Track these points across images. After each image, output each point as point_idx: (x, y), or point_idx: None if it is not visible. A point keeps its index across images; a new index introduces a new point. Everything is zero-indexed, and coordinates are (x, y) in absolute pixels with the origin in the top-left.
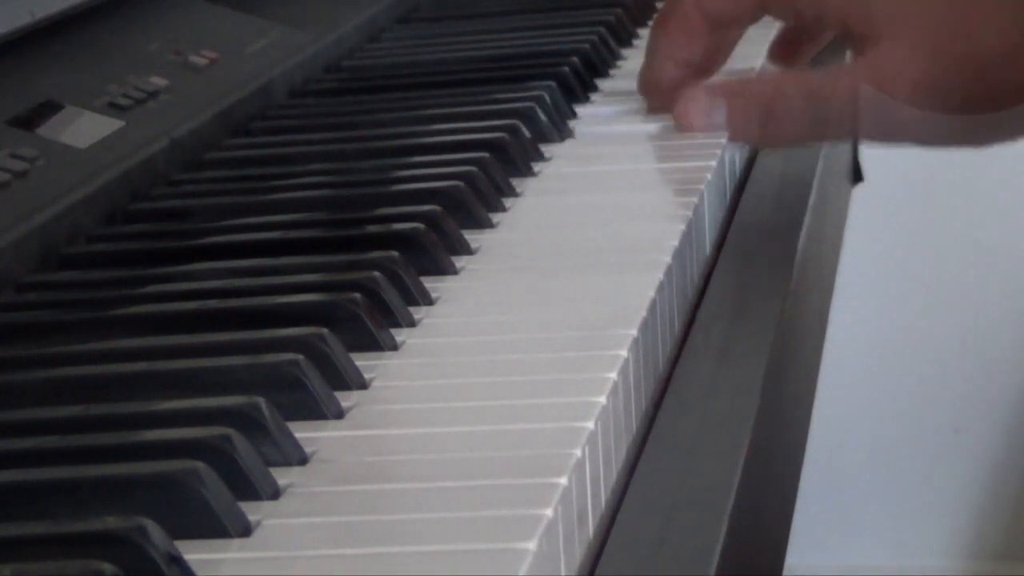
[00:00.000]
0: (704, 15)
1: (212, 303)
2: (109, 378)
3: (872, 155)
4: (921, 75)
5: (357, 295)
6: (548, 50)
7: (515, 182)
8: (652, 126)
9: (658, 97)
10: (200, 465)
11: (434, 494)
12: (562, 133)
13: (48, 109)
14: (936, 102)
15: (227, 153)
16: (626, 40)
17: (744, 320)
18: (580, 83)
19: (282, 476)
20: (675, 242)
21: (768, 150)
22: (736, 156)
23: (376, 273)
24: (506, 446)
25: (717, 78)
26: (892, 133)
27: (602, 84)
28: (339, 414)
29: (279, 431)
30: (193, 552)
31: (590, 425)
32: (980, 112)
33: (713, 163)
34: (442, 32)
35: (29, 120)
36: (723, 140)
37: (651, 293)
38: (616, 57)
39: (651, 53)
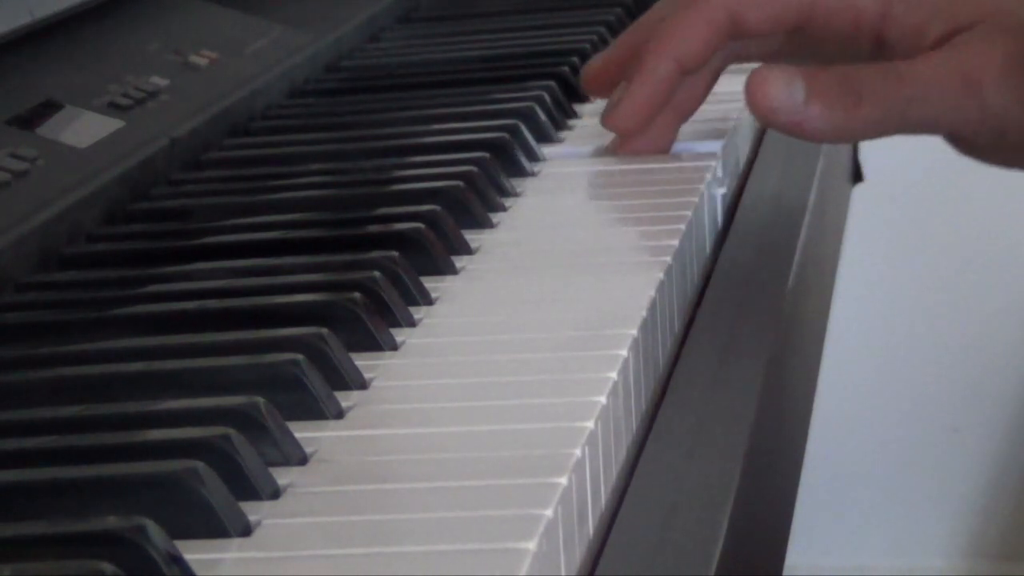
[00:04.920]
0: (732, 19)
1: (212, 303)
2: (109, 378)
3: (872, 155)
4: (1011, 56)
5: (357, 295)
6: (548, 50)
7: (515, 182)
8: None
9: (643, 118)
10: (200, 465)
11: (434, 494)
12: (562, 133)
13: (48, 109)
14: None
15: (227, 153)
16: None
17: (744, 320)
18: (580, 83)
19: (282, 476)
20: (675, 242)
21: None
22: (737, 156)
23: (376, 273)
24: (506, 446)
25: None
26: (973, 121)
27: None
28: (339, 414)
29: (279, 431)
30: (193, 552)
31: (590, 425)
32: None
33: (713, 163)
34: (442, 32)
35: (29, 120)
36: (723, 140)
37: (651, 293)
38: None
39: (651, 48)
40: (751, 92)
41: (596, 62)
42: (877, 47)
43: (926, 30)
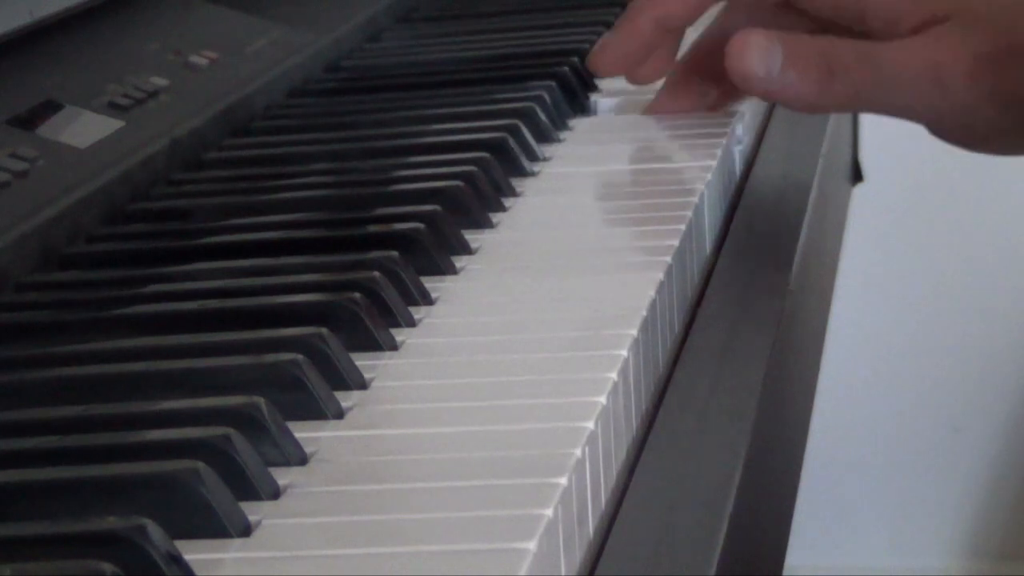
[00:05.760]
0: None
1: (212, 303)
2: (109, 378)
3: (872, 155)
4: (979, 53)
5: (357, 295)
6: (548, 50)
7: (515, 182)
8: (653, 127)
9: (619, 66)
10: (200, 465)
11: (434, 494)
12: (562, 133)
13: (48, 109)
14: (991, 88)
15: (227, 153)
16: None
17: (744, 320)
18: (580, 83)
19: (282, 476)
20: (675, 242)
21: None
22: (736, 156)
23: (376, 273)
24: (506, 446)
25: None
26: (941, 113)
27: (602, 84)
28: (339, 414)
29: (279, 431)
30: (193, 552)
31: (590, 425)
32: None
33: (713, 163)
34: (442, 32)
35: (29, 120)
36: (723, 140)
37: (651, 293)
38: None
39: (634, 12)
40: (730, 57)
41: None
42: (860, 23)
43: (903, 16)
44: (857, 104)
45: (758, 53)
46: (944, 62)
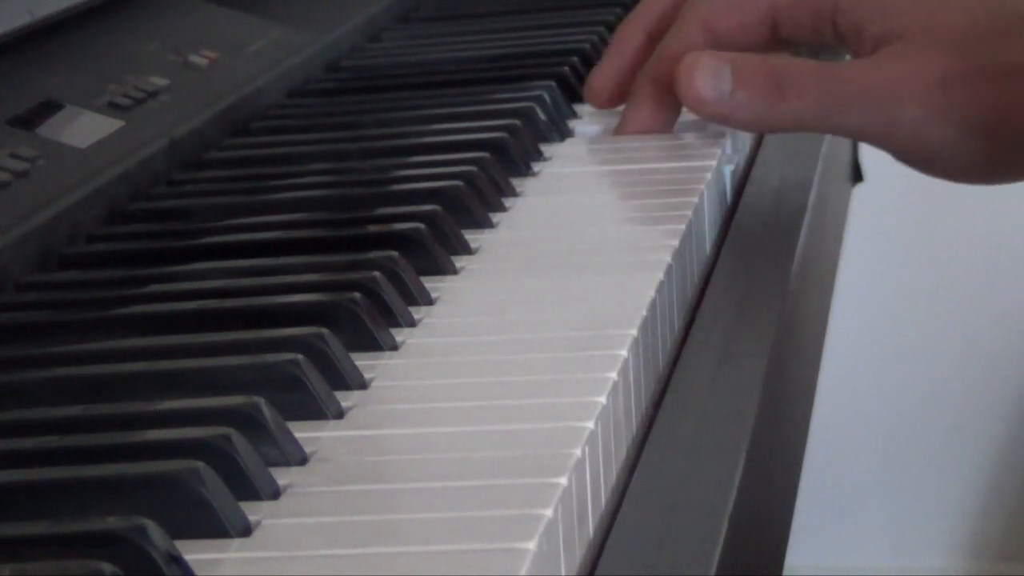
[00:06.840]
0: (707, 31)
1: (212, 303)
2: (109, 378)
3: (872, 155)
4: (935, 74)
5: (357, 295)
6: (548, 50)
7: (515, 182)
8: None
9: (608, 103)
10: (200, 465)
11: (434, 494)
12: (562, 133)
13: (48, 109)
14: (946, 110)
15: (227, 153)
16: None
17: (744, 320)
18: (580, 83)
19: (282, 476)
20: (675, 242)
21: (767, 137)
22: (736, 156)
23: (376, 273)
24: (506, 446)
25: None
26: (895, 134)
27: None
28: (339, 414)
29: (279, 431)
30: (193, 552)
31: (590, 425)
32: (993, 135)
33: (713, 163)
34: (442, 32)
35: (29, 120)
36: (723, 139)
37: (651, 293)
38: None
39: (628, 64)
40: (680, 80)
41: (603, 79)
42: (835, 37)
43: (864, 29)
44: (811, 124)
45: (707, 75)
46: (899, 81)
